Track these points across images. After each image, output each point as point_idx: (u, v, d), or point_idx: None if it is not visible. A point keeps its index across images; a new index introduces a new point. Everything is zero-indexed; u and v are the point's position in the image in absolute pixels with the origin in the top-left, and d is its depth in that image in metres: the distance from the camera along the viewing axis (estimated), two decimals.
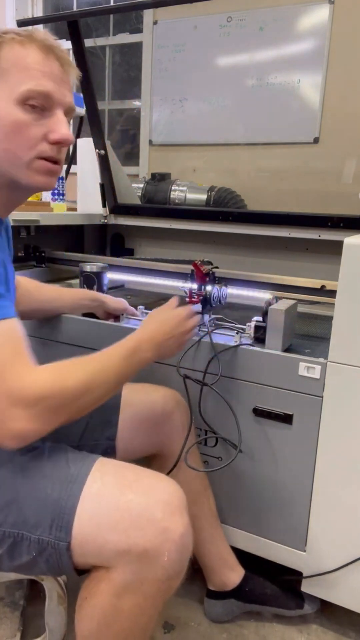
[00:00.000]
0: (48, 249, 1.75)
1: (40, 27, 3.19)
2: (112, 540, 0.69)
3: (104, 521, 0.70)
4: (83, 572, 0.75)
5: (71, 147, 2.23)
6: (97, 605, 0.71)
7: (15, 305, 1.07)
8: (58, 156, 0.80)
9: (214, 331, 1.19)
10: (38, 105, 0.75)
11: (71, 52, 1.65)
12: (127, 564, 0.69)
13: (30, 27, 0.81)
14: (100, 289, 1.35)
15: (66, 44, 1.80)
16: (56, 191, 2.01)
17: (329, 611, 1.21)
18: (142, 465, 0.81)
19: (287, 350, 1.12)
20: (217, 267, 1.33)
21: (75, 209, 2.13)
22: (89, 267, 1.33)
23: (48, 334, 1.33)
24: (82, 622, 0.75)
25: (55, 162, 0.80)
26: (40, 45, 0.76)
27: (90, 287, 1.35)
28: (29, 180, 0.79)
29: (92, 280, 1.34)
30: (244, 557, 1.20)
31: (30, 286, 1.17)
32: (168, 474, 1.16)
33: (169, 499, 0.72)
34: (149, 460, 1.14)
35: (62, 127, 0.78)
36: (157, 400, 1.10)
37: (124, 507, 0.70)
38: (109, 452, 1.04)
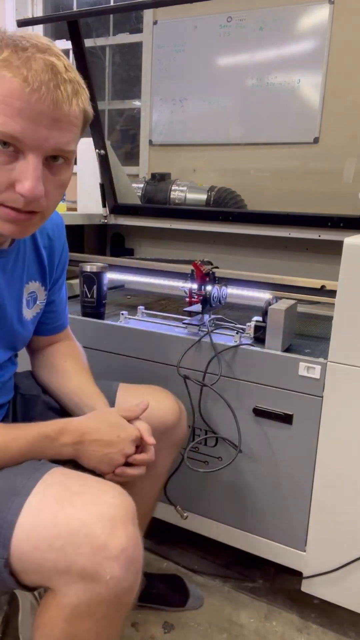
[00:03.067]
0: None
1: (40, 28, 3.19)
2: (50, 559, 0.64)
3: (41, 537, 0.65)
4: (36, 588, 0.71)
5: None
6: (49, 635, 0.67)
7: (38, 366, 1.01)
8: (29, 208, 0.67)
9: (214, 331, 1.19)
10: (9, 145, 0.63)
11: (71, 52, 1.66)
12: (69, 585, 0.64)
13: (31, 31, 0.67)
14: (100, 289, 1.35)
15: (66, 44, 1.80)
16: None
17: (329, 611, 1.21)
18: None
19: (287, 350, 1.12)
20: (217, 267, 1.33)
21: (75, 209, 2.13)
22: (89, 267, 1.33)
23: None
24: None
25: (25, 211, 0.68)
26: (23, 71, 0.60)
27: (90, 287, 1.35)
28: None
29: (92, 281, 1.34)
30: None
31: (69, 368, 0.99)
32: (168, 479, 1.14)
33: (112, 512, 0.66)
34: None
35: (27, 178, 0.64)
36: (158, 414, 0.97)
37: (61, 523, 0.65)
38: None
